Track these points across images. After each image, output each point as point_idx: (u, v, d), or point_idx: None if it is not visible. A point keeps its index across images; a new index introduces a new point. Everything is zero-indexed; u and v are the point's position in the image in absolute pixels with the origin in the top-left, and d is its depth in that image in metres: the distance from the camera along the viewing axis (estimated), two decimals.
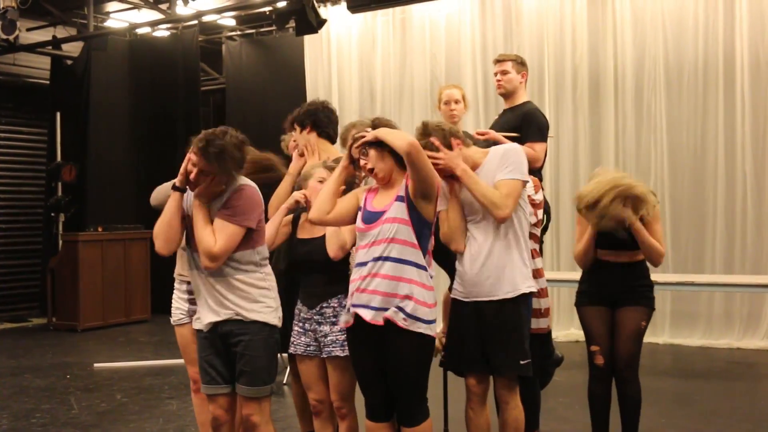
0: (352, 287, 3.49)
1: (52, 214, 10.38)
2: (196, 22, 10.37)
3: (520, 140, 4.75)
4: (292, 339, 3.89)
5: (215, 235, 3.36)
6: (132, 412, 5.82)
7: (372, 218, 3.47)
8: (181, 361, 4.39)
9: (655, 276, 7.40)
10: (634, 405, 4.19)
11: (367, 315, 3.41)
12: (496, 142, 4.65)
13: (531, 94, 8.74)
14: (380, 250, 3.39)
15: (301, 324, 3.90)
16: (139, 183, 10.37)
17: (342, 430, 3.92)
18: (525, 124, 4.89)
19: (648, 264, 4.25)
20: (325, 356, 3.82)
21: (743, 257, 7.82)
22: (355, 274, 3.50)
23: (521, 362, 3.65)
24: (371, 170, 3.48)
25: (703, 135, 8.03)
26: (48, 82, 10.83)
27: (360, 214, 3.54)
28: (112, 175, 10.38)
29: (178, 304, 4.16)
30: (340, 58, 9.84)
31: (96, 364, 7.34)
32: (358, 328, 3.46)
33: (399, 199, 3.43)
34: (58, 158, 10.30)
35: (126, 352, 8.01)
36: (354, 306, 3.46)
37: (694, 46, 8.03)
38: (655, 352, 7.73)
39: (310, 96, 9.96)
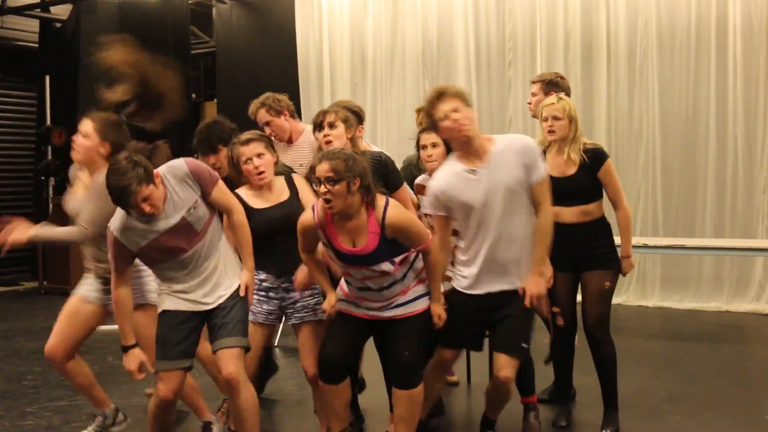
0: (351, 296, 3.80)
1: (42, 178, 10.33)
2: None
3: None
4: (251, 307, 3.84)
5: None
6: (124, 374, 5.61)
7: (358, 261, 3.59)
8: None
9: (646, 239, 7.52)
10: (610, 364, 4.31)
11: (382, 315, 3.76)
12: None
13: (522, 59, 8.77)
14: (376, 283, 3.66)
15: (264, 293, 3.92)
16: (129, 147, 10.24)
17: (317, 396, 3.98)
18: None
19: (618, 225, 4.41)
20: (296, 322, 3.91)
21: (733, 221, 7.85)
22: (351, 289, 3.78)
23: (525, 345, 3.83)
24: (327, 200, 3.47)
25: (695, 99, 8.01)
26: (37, 45, 10.70)
27: (331, 251, 3.65)
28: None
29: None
30: (331, 21, 9.75)
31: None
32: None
33: (381, 239, 3.55)
34: (48, 122, 10.23)
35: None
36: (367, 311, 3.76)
37: (687, 9, 7.99)
38: (644, 315, 7.79)
39: (301, 59, 9.89)
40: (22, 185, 11.02)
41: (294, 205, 3.87)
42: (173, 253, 3.49)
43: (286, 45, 9.97)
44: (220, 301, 3.57)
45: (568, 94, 4.96)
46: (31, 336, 7.22)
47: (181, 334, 3.55)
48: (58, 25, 10.71)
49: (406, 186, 4.33)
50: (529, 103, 5.02)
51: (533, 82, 5.02)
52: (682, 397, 4.99)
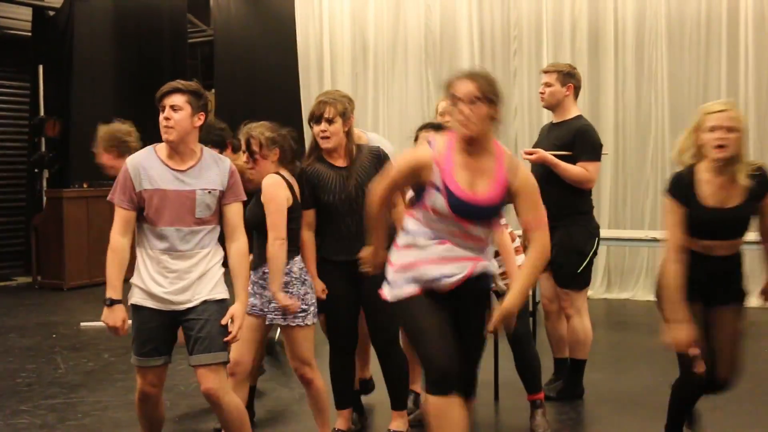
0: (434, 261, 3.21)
1: (36, 170, 10.16)
2: None
3: (572, 159, 4.59)
4: None
5: None
6: (119, 371, 5.71)
7: (472, 213, 3.12)
8: None
9: (655, 233, 7.38)
10: None
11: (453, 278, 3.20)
12: (544, 164, 4.57)
13: (528, 48, 8.63)
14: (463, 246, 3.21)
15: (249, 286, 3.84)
16: None
17: (310, 396, 3.94)
18: (579, 141, 4.65)
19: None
20: (269, 323, 3.86)
21: None
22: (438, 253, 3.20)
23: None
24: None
25: (705, 90, 7.89)
26: (30, 34, 10.50)
27: (437, 197, 3.13)
28: (96, 129, 10.10)
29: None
30: (331, 9, 9.61)
31: (82, 323, 7.22)
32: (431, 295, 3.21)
33: (503, 192, 3.14)
34: (41, 113, 10.05)
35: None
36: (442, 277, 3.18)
37: None
38: (654, 310, 7.61)
39: (301, 48, 9.75)
40: (16, 177, 10.83)
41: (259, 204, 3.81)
42: (172, 217, 3.43)
43: (286, 33, 9.84)
44: (191, 304, 3.45)
45: (579, 87, 4.83)
46: (24, 332, 7.09)
47: (151, 333, 3.48)
48: (51, 13, 10.52)
49: None
50: (542, 93, 4.84)
51: (547, 72, 4.84)
52: None
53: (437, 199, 3.09)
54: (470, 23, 8.80)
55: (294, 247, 3.81)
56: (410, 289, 3.17)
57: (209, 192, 3.45)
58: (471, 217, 3.09)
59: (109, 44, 10.49)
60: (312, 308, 3.84)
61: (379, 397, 4.62)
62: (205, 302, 3.44)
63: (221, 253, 3.56)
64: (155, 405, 3.69)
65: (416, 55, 9.11)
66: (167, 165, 3.45)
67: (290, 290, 3.77)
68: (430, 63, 9.05)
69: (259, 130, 3.89)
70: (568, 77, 4.76)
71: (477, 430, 4.41)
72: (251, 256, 3.82)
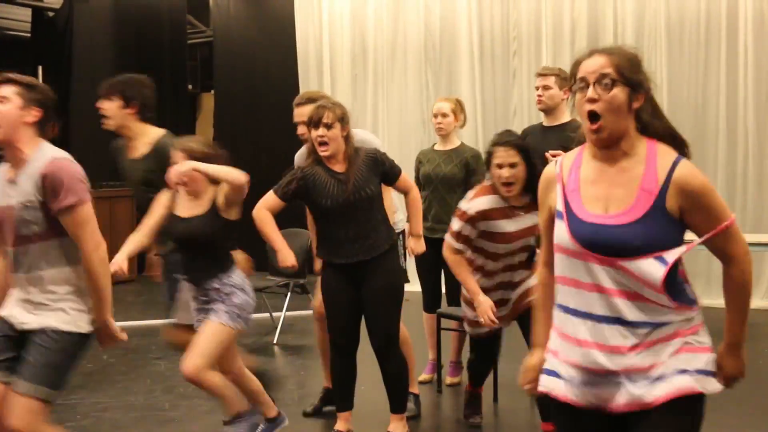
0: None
1: None
2: None
3: None
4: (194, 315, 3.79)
5: None
6: (119, 372, 5.70)
7: (602, 242, 2.09)
8: (168, 321, 4.25)
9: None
10: None
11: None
12: None
13: (528, 49, 8.61)
14: (626, 308, 2.12)
15: (194, 299, 3.81)
16: None
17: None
18: (578, 145, 4.63)
19: None
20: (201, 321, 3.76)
21: (744, 215, 7.70)
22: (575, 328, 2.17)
23: None
24: (593, 116, 2.13)
25: (705, 91, 7.87)
26: (29, 34, 10.49)
27: (563, 220, 2.19)
28: (96, 130, 9.90)
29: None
30: (331, 11, 9.58)
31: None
32: None
33: (656, 205, 2.09)
34: None
35: (112, 312, 7.84)
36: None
37: None
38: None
39: (301, 50, 9.72)
40: None
41: (206, 222, 3.67)
42: (6, 235, 2.98)
43: (285, 35, 9.81)
44: (26, 327, 2.98)
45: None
46: None
47: None
48: (50, 14, 10.52)
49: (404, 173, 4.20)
50: (540, 96, 4.81)
51: (544, 75, 4.81)
52: None
53: (558, 229, 2.20)
54: (470, 24, 8.78)
55: (231, 261, 3.76)
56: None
57: (25, 206, 2.92)
58: (607, 249, 2.09)
59: (109, 45, 10.47)
60: (246, 317, 3.74)
61: (379, 398, 4.62)
62: (42, 330, 2.97)
63: (77, 272, 3.03)
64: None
65: (416, 57, 9.09)
66: (5, 173, 3.01)
67: (234, 300, 3.68)
68: (430, 64, 9.03)
69: (193, 145, 3.70)
70: (566, 81, 4.73)
71: (477, 431, 4.42)
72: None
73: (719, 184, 7.78)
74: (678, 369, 2.14)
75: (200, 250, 3.69)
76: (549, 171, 2.33)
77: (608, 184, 2.15)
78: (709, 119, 7.83)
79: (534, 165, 3.85)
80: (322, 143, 3.90)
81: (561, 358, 2.20)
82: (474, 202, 3.95)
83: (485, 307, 3.97)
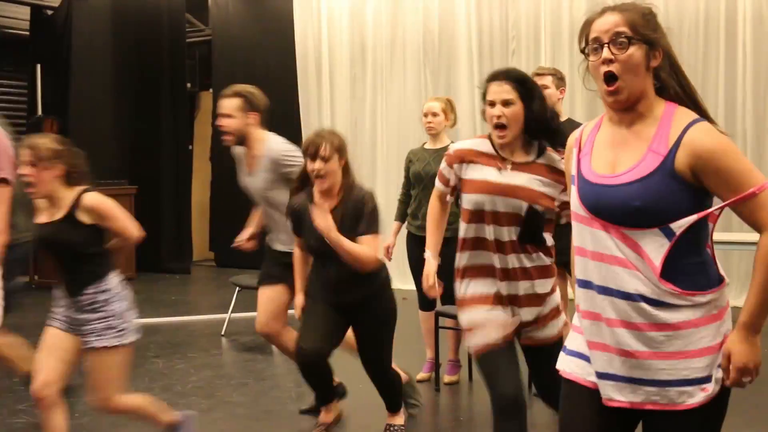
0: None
1: None
2: None
3: None
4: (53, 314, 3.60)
5: None
6: None
7: (605, 204, 2.02)
8: (167, 319, 4.25)
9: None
10: None
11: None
12: None
13: (526, 49, 8.61)
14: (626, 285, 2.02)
15: (60, 302, 3.62)
16: (122, 137, 10.12)
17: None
18: None
19: None
20: (86, 347, 3.52)
21: None
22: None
23: None
24: (610, 77, 2.04)
25: (703, 91, 7.84)
26: (28, 33, 10.48)
27: (575, 185, 2.13)
28: (95, 129, 10.07)
29: None
30: (330, 10, 9.58)
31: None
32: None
33: (664, 164, 1.97)
34: (39, 112, 10.02)
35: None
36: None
37: None
38: None
39: (300, 48, 9.73)
40: None
41: (63, 228, 3.46)
42: None
43: (284, 33, 9.82)
44: None
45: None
46: (21, 332, 6.97)
47: None
48: (49, 12, 10.50)
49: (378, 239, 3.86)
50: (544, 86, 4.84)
51: (541, 74, 4.83)
52: None
53: (571, 195, 2.14)
54: (468, 23, 8.78)
55: (108, 264, 3.53)
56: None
57: None
58: (604, 213, 2.00)
59: (107, 43, 10.47)
60: (131, 327, 3.53)
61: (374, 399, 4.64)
62: None
63: None
64: None
65: (414, 56, 9.09)
66: None
67: (111, 307, 3.46)
68: (429, 64, 9.03)
69: (41, 142, 3.44)
70: (562, 81, 4.87)
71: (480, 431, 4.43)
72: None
73: None
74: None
75: (66, 257, 3.51)
76: (571, 138, 2.24)
77: (620, 147, 2.06)
78: None
79: (539, 109, 3.05)
80: (319, 177, 3.73)
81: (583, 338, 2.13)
82: (460, 143, 3.34)
83: (428, 267, 3.29)
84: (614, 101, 2.04)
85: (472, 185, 3.08)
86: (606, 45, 2.02)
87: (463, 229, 3.11)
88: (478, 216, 3.05)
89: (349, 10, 9.47)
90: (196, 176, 10.95)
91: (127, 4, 10.54)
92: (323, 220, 3.59)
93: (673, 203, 1.95)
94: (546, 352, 3.00)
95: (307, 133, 9.25)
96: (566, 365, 2.20)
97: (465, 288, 3.13)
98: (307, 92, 9.71)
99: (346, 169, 3.82)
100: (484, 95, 3.12)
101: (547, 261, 3.09)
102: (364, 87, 9.39)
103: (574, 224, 2.11)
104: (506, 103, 3.02)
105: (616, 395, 2.04)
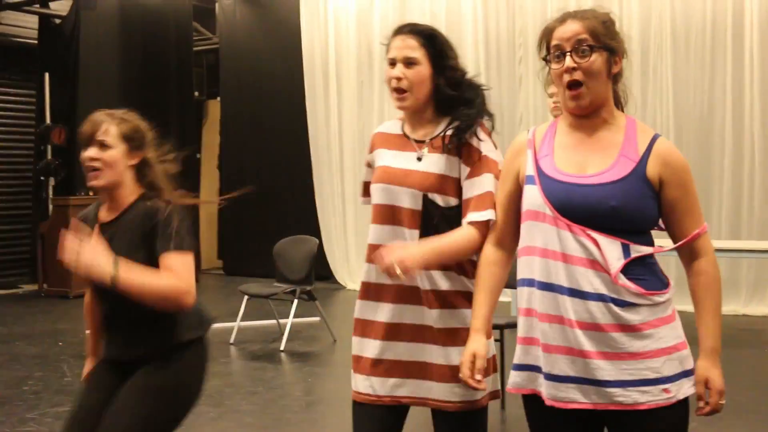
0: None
1: (42, 178, 10.16)
2: None
3: None
4: None
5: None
6: None
7: (577, 204, 2.00)
8: None
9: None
10: None
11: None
12: None
13: (534, 56, 8.59)
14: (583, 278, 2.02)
15: None
16: None
17: None
18: None
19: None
20: None
21: (750, 222, 7.70)
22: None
23: None
24: (573, 84, 2.04)
25: (710, 96, 7.87)
26: (36, 42, 10.53)
27: (535, 183, 2.08)
28: None
29: None
30: (337, 16, 9.61)
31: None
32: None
33: (636, 171, 2.02)
34: (47, 120, 10.06)
35: None
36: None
37: (702, 4, 7.86)
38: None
39: (307, 56, 9.75)
40: (22, 185, 10.83)
41: None
42: None
43: (291, 41, 9.85)
44: None
45: None
46: (31, 340, 7.08)
47: None
48: (57, 21, 10.55)
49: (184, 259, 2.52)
50: (556, 104, 4.77)
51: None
52: None
53: (529, 193, 2.09)
54: (475, 30, 8.80)
55: None
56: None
57: None
58: (573, 212, 2.00)
59: (115, 52, 10.52)
60: None
61: None
62: None
63: None
64: None
65: None
66: None
67: None
68: None
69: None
70: None
71: None
72: None
73: (725, 188, 7.79)
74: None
75: None
76: (519, 138, 2.21)
77: (585, 150, 2.07)
78: (715, 123, 7.83)
79: (450, 73, 2.45)
80: (92, 170, 2.59)
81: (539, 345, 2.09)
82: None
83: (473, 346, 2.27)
84: (576, 106, 2.06)
85: (375, 174, 2.59)
86: (569, 53, 2.03)
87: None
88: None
89: (356, 17, 9.49)
90: (204, 184, 10.98)
91: (134, 13, 10.59)
92: (71, 242, 2.45)
93: (643, 207, 2.02)
94: None
95: (314, 139, 9.27)
96: (512, 381, 2.22)
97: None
98: (315, 99, 9.72)
99: (142, 168, 2.67)
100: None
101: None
102: (371, 93, 9.40)
103: (528, 224, 2.09)
104: (409, 63, 2.40)
105: (578, 397, 2.04)
